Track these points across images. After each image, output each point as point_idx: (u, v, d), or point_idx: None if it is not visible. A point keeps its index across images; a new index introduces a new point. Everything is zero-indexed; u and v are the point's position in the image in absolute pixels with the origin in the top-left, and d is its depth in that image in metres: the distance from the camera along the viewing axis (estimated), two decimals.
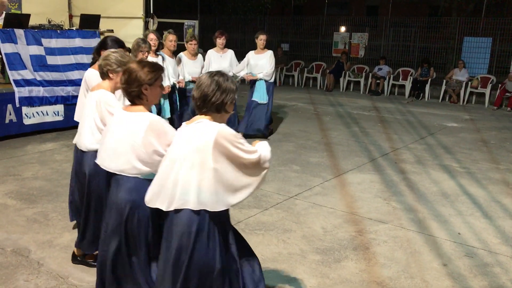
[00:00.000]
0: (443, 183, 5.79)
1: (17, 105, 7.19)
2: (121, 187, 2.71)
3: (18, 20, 7.54)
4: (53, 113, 7.68)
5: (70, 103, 7.70)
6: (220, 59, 7.54)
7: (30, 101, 7.33)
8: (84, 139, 3.30)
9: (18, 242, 3.93)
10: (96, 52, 3.94)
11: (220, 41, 7.48)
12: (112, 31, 8.82)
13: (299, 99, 12.31)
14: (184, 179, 2.36)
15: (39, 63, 7.57)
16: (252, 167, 2.42)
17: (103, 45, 3.87)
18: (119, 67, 3.16)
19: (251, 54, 7.73)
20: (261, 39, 7.58)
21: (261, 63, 7.58)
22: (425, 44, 15.23)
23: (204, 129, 2.36)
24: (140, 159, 2.64)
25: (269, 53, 7.63)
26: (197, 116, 2.46)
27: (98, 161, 2.86)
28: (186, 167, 2.36)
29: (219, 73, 2.45)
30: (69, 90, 7.78)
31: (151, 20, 9.17)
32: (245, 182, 2.42)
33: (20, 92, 7.20)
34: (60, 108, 7.74)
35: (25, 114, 7.33)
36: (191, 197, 2.34)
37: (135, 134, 2.64)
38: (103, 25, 8.89)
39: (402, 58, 15.35)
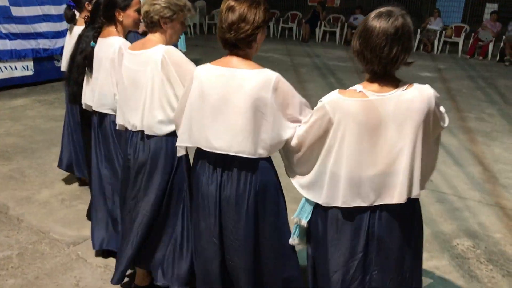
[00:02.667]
0: None
1: None
2: (244, 171, 2.03)
3: None
4: (22, 68, 7.46)
5: (40, 56, 7.46)
6: None
7: None
8: (156, 120, 2.37)
9: None
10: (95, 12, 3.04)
11: None
12: None
13: (275, 50, 12.19)
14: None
15: (3, 15, 7.24)
16: None
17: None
18: (175, 13, 2.39)
19: None
20: None
21: None
22: None
23: None
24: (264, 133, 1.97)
25: None
26: None
27: (192, 142, 2.10)
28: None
29: None
30: (38, 43, 7.52)
31: None
32: None
33: None
34: (29, 62, 7.51)
35: None
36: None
37: (256, 97, 1.92)
38: None
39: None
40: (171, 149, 2.39)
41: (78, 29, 3.48)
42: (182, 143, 2.16)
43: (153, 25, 2.38)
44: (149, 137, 2.42)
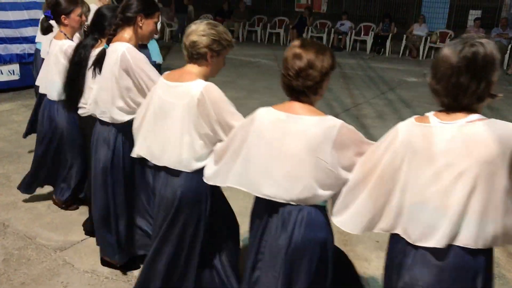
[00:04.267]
0: None
1: None
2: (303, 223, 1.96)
3: None
4: (8, 72, 7.38)
5: (26, 61, 7.40)
6: None
7: None
8: (183, 157, 2.27)
9: None
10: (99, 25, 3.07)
11: None
12: None
13: (263, 56, 12.24)
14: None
15: None
16: None
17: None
18: (224, 48, 2.31)
19: None
20: None
21: None
22: None
23: None
24: (322, 182, 1.91)
25: None
26: None
27: (243, 185, 2.04)
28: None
29: None
30: (24, 47, 7.45)
31: None
32: None
33: None
34: (15, 67, 7.43)
35: None
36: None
37: (316, 145, 1.87)
38: None
39: (364, 13, 15.37)
40: (200, 188, 2.32)
41: (58, 43, 3.50)
42: (233, 184, 2.08)
43: (198, 56, 2.26)
44: (173, 172, 2.33)
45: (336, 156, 1.87)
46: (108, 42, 2.71)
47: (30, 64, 7.53)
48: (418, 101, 7.76)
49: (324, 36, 14.30)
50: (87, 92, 3.02)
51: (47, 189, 4.17)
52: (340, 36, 14.12)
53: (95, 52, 2.89)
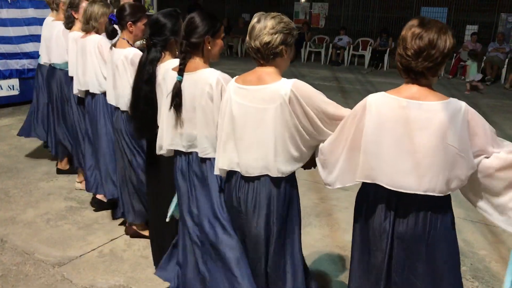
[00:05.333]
0: None
1: None
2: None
3: None
4: (7, 87, 7.41)
5: (25, 76, 7.43)
6: None
7: None
8: (277, 161, 2.13)
9: None
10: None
11: None
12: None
13: None
14: None
15: None
16: None
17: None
18: (294, 37, 2.22)
19: None
20: None
21: None
22: (384, 14, 15.42)
23: None
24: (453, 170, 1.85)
25: None
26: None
27: (372, 178, 1.94)
28: None
29: None
30: (24, 63, 7.49)
31: None
32: None
33: None
34: (15, 82, 7.46)
35: None
36: None
37: (444, 132, 1.79)
38: None
39: (361, 28, 15.52)
40: (292, 191, 2.24)
41: (123, 52, 3.21)
42: (363, 179, 1.96)
43: (274, 56, 2.10)
44: (265, 178, 2.16)
45: (466, 140, 1.79)
46: (181, 72, 2.39)
47: (30, 79, 7.59)
48: None
49: (323, 51, 14.40)
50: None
51: (45, 204, 4.16)
52: (338, 51, 14.22)
53: (160, 68, 2.66)
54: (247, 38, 2.14)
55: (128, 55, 3.16)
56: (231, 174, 2.27)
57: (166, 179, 2.84)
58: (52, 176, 4.79)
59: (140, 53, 3.10)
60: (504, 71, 11.64)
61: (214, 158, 2.38)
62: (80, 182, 4.45)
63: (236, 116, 2.15)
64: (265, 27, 2.06)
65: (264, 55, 2.09)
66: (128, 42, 3.27)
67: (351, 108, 2.02)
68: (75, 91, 3.98)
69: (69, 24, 4.21)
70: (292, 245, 2.29)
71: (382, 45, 13.65)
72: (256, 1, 17.68)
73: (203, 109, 2.35)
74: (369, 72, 13.01)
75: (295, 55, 2.31)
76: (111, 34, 3.34)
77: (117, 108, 3.35)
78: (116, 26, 3.36)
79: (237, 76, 2.22)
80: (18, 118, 6.94)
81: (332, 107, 2.07)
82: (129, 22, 3.23)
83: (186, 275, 2.55)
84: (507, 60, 11.67)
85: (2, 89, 7.35)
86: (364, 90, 9.84)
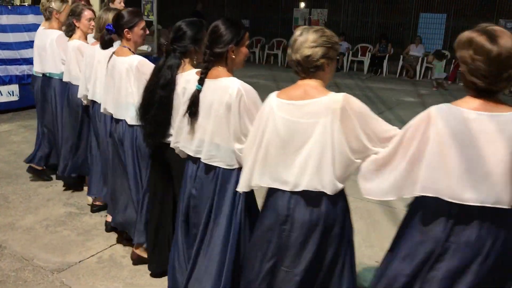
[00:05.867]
0: None
1: None
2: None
3: None
4: (7, 93, 7.42)
5: (25, 82, 7.44)
6: None
7: None
8: (326, 178, 2.08)
9: None
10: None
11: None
12: None
13: (261, 76, 12.32)
14: None
15: None
16: None
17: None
18: (337, 50, 2.25)
19: None
20: None
21: None
22: (383, 20, 15.45)
23: None
24: None
25: None
26: None
27: (438, 192, 1.86)
28: None
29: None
30: (24, 69, 7.51)
31: None
32: None
33: None
34: (15, 88, 7.47)
35: None
36: None
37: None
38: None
39: (361, 34, 15.56)
40: (343, 208, 2.19)
41: (126, 60, 3.14)
42: (425, 192, 1.87)
43: (315, 69, 2.08)
44: (312, 195, 2.09)
45: None
46: (201, 82, 2.39)
47: (30, 85, 7.60)
48: None
49: None
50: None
51: (45, 210, 4.15)
52: (337, 57, 14.21)
53: (181, 77, 2.63)
54: (289, 51, 2.13)
55: (133, 63, 3.09)
56: (274, 191, 2.17)
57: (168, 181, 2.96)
58: (51, 182, 4.78)
59: (145, 60, 3.13)
60: None
61: (223, 169, 2.42)
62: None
63: (282, 132, 2.08)
64: (306, 40, 2.05)
65: (305, 68, 2.08)
66: (129, 49, 3.20)
67: None
68: (83, 100, 3.96)
69: (69, 32, 4.17)
70: (346, 263, 2.23)
71: (381, 51, 13.69)
72: (256, 7, 17.74)
73: (218, 118, 2.34)
74: (368, 78, 13.04)
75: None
76: (107, 44, 3.31)
77: (115, 119, 3.27)
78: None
79: (277, 92, 2.16)
80: (18, 123, 6.95)
81: (382, 124, 2.06)
82: (126, 29, 3.17)
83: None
84: None
85: (2, 95, 7.36)
86: (364, 96, 9.85)
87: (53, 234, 3.75)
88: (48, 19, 4.54)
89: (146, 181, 3.19)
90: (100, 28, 3.62)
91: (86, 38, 4.16)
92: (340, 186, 2.09)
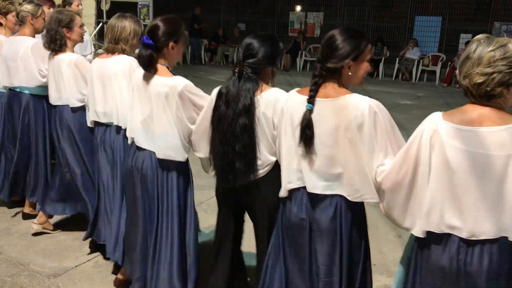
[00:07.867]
0: None
1: None
2: None
3: None
4: None
5: None
6: None
7: None
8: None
9: None
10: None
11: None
12: None
13: None
14: None
15: None
16: None
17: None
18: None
19: None
20: None
21: None
22: (378, 23, 15.51)
23: None
24: None
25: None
26: None
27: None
28: None
29: None
30: None
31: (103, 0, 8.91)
32: None
33: None
34: None
35: None
36: None
37: None
38: None
39: None
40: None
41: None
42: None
43: (490, 97, 1.69)
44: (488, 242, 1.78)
45: None
46: (311, 100, 2.05)
47: None
48: (411, 123, 7.79)
49: None
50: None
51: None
52: None
53: (262, 98, 2.30)
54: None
55: (178, 87, 2.46)
56: (442, 237, 1.79)
57: None
58: None
59: (189, 82, 2.51)
60: None
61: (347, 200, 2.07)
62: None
63: (455, 166, 1.70)
64: (479, 62, 1.72)
65: (476, 95, 1.72)
66: (168, 68, 2.57)
67: None
68: (89, 123, 3.28)
69: (56, 45, 3.36)
70: None
71: (377, 54, 13.73)
72: (251, 11, 17.77)
73: (350, 143, 1.98)
74: (365, 80, 13.05)
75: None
76: (150, 62, 2.49)
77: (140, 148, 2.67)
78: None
79: (442, 113, 1.78)
80: None
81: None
82: (171, 43, 2.53)
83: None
84: None
85: None
86: None
87: (49, 239, 3.73)
88: (18, 24, 3.90)
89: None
90: (115, 39, 2.99)
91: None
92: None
